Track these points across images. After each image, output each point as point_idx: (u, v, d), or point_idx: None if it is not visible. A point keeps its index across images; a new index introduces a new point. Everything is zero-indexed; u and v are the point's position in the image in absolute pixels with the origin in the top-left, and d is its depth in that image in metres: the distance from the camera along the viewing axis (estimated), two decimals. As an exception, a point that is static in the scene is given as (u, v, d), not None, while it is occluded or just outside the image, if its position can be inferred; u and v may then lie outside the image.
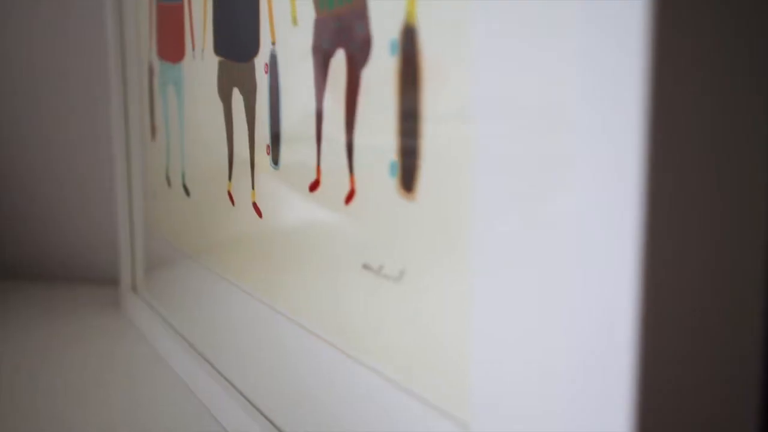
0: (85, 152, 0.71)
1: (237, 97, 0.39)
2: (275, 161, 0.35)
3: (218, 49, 0.41)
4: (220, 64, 0.41)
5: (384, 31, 0.26)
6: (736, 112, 0.18)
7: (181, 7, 0.46)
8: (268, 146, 0.36)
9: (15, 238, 0.75)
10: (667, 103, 0.17)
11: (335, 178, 0.30)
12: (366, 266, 0.29)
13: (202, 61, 0.43)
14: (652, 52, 0.16)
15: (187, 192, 0.48)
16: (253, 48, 0.36)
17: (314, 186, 0.32)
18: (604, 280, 0.18)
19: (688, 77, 0.17)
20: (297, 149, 0.33)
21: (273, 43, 0.34)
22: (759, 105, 0.18)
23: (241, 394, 0.40)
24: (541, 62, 0.19)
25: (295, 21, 0.32)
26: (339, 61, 0.29)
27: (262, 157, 0.36)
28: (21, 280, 0.74)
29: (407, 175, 0.26)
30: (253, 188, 0.38)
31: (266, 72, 0.35)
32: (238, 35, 0.38)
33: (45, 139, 0.72)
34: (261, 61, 0.36)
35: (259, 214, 0.37)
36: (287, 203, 0.34)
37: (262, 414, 0.37)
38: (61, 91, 0.71)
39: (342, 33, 0.29)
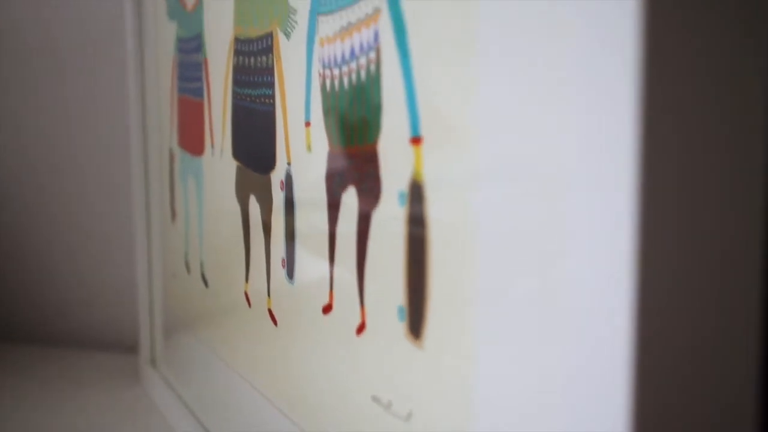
0: (107, 228, 0.73)
1: (254, 204, 0.40)
2: (290, 275, 0.36)
3: (236, 155, 0.42)
4: (238, 168, 0.42)
5: (394, 181, 0.27)
6: (728, 179, 0.19)
7: (202, 105, 0.47)
8: (283, 260, 0.37)
9: (36, 303, 0.76)
10: (658, 172, 0.18)
11: (347, 307, 0.31)
12: (375, 399, 0.29)
13: (221, 161, 0.45)
14: (643, 122, 0.17)
15: (205, 282, 0.49)
16: (270, 163, 0.38)
17: (327, 309, 0.33)
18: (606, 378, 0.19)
19: (677, 149, 0.18)
20: (311, 269, 0.34)
21: (288, 163, 0.36)
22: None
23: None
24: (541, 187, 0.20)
25: (309, 148, 0.33)
26: (351, 196, 0.30)
27: (278, 269, 0.38)
28: (41, 345, 0.75)
29: (415, 322, 0.26)
30: (269, 296, 0.39)
31: (282, 189, 0.36)
32: (255, 146, 0.40)
33: (70, 213, 0.74)
34: (277, 177, 0.37)
35: (275, 321, 0.38)
36: (301, 319, 0.35)
37: None
38: (87, 168, 0.73)
39: (354, 172, 0.30)
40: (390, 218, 0.28)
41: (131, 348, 0.71)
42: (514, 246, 0.21)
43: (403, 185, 0.27)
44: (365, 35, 0.28)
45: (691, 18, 0.18)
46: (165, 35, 0.55)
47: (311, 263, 0.34)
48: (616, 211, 0.18)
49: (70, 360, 0.71)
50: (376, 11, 0.27)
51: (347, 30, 0.29)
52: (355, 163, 0.30)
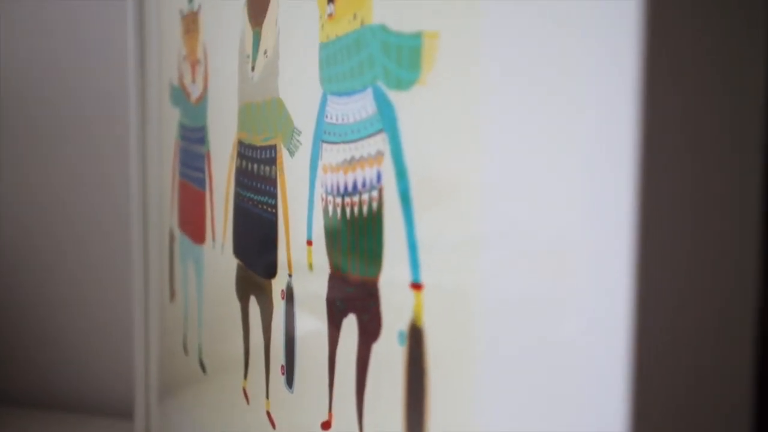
0: (106, 299, 0.74)
1: (254, 305, 0.41)
2: (289, 383, 0.37)
3: (237, 254, 0.43)
4: (239, 267, 0.43)
5: (394, 319, 0.28)
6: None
7: (203, 196, 0.48)
8: (282, 367, 0.38)
9: (34, 367, 0.77)
10: (657, 241, 0.19)
11: (347, 428, 0.32)
12: None
13: (222, 256, 0.46)
14: (642, 190, 0.18)
15: (203, 368, 0.50)
16: (271, 270, 0.38)
17: (326, 426, 0.33)
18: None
19: (676, 218, 0.19)
20: (311, 383, 0.35)
21: (290, 275, 0.37)
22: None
23: None
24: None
25: (310, 267, 0.34)
26: (351, 323, 0.31)
27: (277, 375, 0.38)
28: (37, 408, 0.76)
29: (413, 461, 0.27)
30: (267, 398, 0.40)
31: (282, 298, 0.37)
32: (256, 250, 0.40)
33: (70, 283, 0.75)
34: (278, 285, 0.38)
35: (273, 425, 0.39)
36: (300, 429, 0.36)
37: None
38: (86, 241, 0.74)
39: (355, 300, 0.31)
40: (389, 355, 0.28)
41: (127, 414, 0.71)
42: (518, 391, 0.22)
43: (404, 325, 0.27)
44: (368, 174, 0.29)
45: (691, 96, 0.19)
46: (168, 117, 0.56)
47: (311, 378, 0.35)
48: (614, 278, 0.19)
49: (65, 425, 0.71)
50: (379, 154, 0.28)
51: (350, 164, 0.30)
52: (356, 293, 0.30)
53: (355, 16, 0.29)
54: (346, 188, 0.31)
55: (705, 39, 0.19)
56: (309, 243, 0.34)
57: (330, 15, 0.31)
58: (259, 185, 0.40)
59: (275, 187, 0.38)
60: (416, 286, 0.27)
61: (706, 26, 0.19)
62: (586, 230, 0.20)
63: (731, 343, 0.20)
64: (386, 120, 0.28)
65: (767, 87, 0.20)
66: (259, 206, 0.40)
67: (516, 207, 0.22)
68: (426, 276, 0.26)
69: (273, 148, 0.38)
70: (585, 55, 0.20)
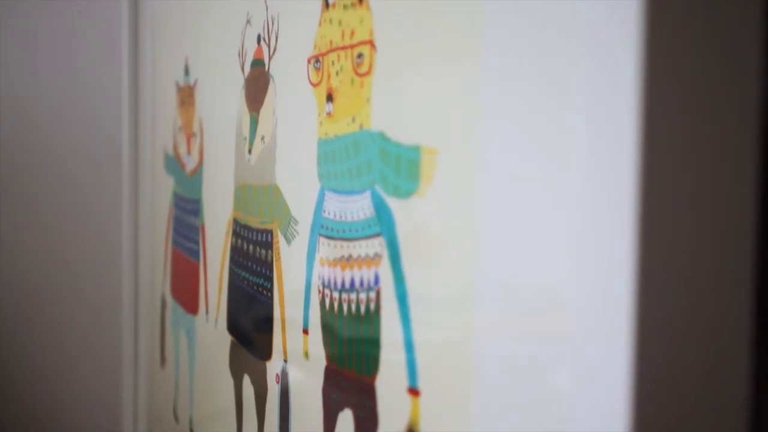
0: (97, 366, 0.73)
1: (248, 383, 0.41)
2: (283, 468, 0.37)
3: (231, 330, 0.44)
4: (233, 344, 0.43)
5: (391, 421, 0.28)
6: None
7: (197, 268, 0.49)
8: (276, 450, 0.38)
9: None
10: (652, 293, 0.19)
11: None
12: None
13: (216, 329, 0.46)
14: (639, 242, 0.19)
15: (194, 439, 0.50)
16: (266, 352, 0.39)
17: None
18: None
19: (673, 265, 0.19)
20: (305, 471, 0.35)
21: (285, 360, 0.37)
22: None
23: None
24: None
25: (306, 356, 0.35)
26: (347, 419, 0.31)
27: (271, 457, 0.38)
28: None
29: None
30: (260, 479, 0.40)
31: (277, 382, 0.38)
32: (251, 330, 0.41)
33: (60, 351, 0.75)
34: (273, 368, 0.38)
35: (266, 507, 0.39)
36: None
37: None
38: (79, 306, 0.74)
39: (351, 396, 0.31)
40: (387, 456, 0.29)
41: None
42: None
43: (401, 428, 0.28)
44: (366, 274, 0.30)
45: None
46: (162, 184, 0.56)
47: (305, 465, 0.35)
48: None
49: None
50: (377, 256, 0.29)
51: (348, 262, 0.31)
52: (352, 389, 0.31)
53: (354, 119, 0.30)
54: (343, 284, 0.31)
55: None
56: (305, 332, 0.35)
57: (329, 114, 0.32)
58: (254, 266, 0.40)
59: (271, 270, 0.38)
60: (414, 391, 0.27)
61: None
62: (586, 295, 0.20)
63: (729, 399, 0.21)
64: (385, 225, 0.28)
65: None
66: (255, 287, 0.40)
67: (514, 312, 0.23)
68: (424, 382, 0.27)
69: (270, 232, 0.38)
70: (580, 148, 0.20)
